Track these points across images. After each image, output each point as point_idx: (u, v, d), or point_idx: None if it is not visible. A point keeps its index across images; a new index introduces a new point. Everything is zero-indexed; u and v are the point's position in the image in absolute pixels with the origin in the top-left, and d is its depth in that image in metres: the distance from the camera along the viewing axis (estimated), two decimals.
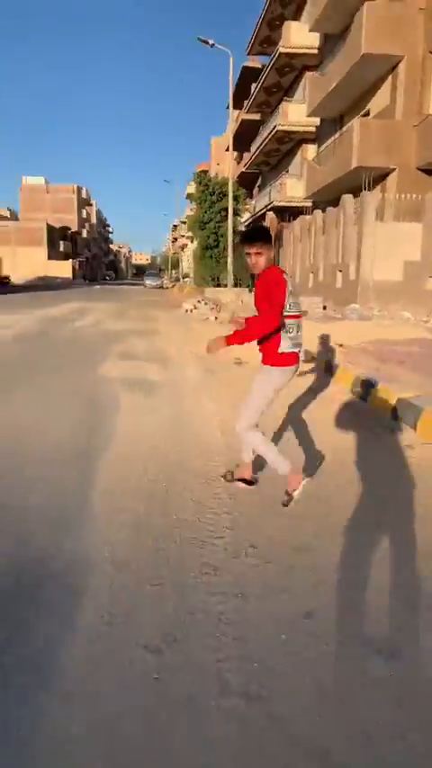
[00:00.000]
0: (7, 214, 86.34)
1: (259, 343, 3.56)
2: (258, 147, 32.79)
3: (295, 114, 27.93)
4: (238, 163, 46.91)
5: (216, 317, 17.45)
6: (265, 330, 3.34)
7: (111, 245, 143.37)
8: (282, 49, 26.93)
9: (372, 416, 5.88)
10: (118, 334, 13.10)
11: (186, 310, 20.74)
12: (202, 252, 31.84)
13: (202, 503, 3.78)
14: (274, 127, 28.75)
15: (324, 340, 9.31)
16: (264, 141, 31.33)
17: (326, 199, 23.13)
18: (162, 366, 8.85)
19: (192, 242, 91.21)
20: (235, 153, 50.85)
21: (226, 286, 28.63)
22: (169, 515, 3.59)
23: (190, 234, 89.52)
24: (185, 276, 74.75)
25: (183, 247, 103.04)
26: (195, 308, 20.70)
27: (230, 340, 3.35)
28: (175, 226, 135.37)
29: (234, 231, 27.36)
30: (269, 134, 30.02)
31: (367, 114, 20.71)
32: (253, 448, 3.72)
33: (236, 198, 26.88)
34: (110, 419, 5.89)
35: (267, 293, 3.36)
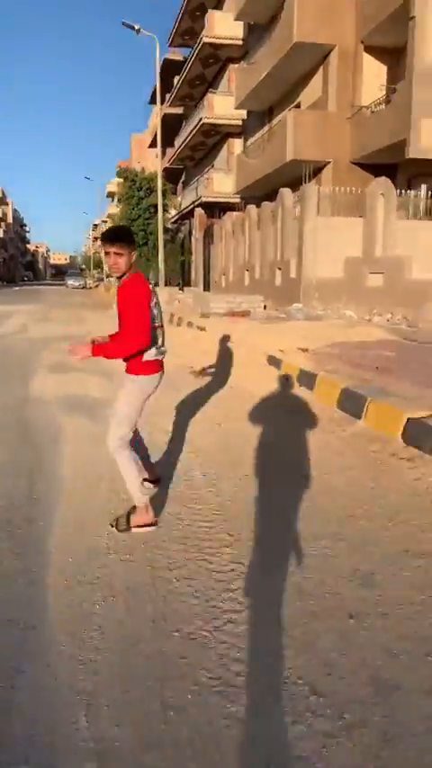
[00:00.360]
0: None
1: None
2: (183, 142, 31.76)
3: (221, 107, 27.08)
4: (161, 159, 45.77)
5: None
6: (136, 349, 3.27)
7: (28, 245, 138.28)
8: (205, 39, 25.98)
9: (379, 443, 4.97)
10: (47, 340, 11.74)
11: None
12: None
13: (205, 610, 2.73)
14: (200, 120, 27.80)
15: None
16: (189, 135, 30.32)
17: (258, 194, 22.40)
18: (106, 378, 7.65)
19: None
20: (157, 149, 49.91)
21: (157, 285, 27.50)
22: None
23: None
24: (109, 275, 72.74)
25: None
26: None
27: (96, 351, 3.25)
28: (95, 225, 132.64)
29: (165, 229, 26.24)
30: (194, 127, 29.04)
31: (298, 106, 20.09)
32: (120, 468, 3.38)
33: (163, 193, 25.70)
34: (50, 456, 4.71)
35: (135, 307, 3.23)
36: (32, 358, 9.70)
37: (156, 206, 27.63)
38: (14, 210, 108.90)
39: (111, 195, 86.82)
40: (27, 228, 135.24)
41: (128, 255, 3.24)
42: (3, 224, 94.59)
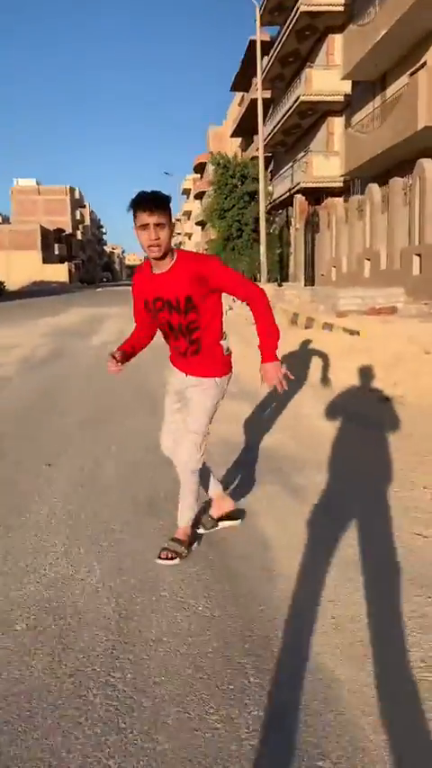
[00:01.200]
0: None
1: (187, 350, 2.83)
2: (276, 126, 29.35)
3: (321, 83, 24.54)
4: (243, 150, 43.48)
5: None
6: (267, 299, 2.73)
7: (105, 247, 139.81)
8: (303, 7, 23.50)
9: None
10: (157, 349, 9.75)
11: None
12: (223, 244, 28.16)
13: None
14: (297, 98, 25.33)
15: None
16: (282, 118, 27.92)
17: (372, 173, 19.77)
18: (253, 404, 5.50)
19: (189, 239, 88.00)
20: (239, 139, 47.65)
21: (258, 280, 25.23)
22: None
23: (188, 231, 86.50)
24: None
25: (179, 245, 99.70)
26: (231, 309, 17.37)
27: (274, 348, 2.71)
28: (175, 221, 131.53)
29: (258, 219, 23.97)
30: (289, 108, 26.63)
31: (422, 67, 17.32)
32: (184, 488, 2.94)
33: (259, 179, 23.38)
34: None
35: (227, 270, 2.74)
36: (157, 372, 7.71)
37: (251, 194, 25.41)
38: (92, 212, 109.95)
39: (186, 192, 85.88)
40: (104, 230, 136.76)
41: (169, 228, 2.60)
42: (81, 226, 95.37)
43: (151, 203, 2.52)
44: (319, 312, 12.99)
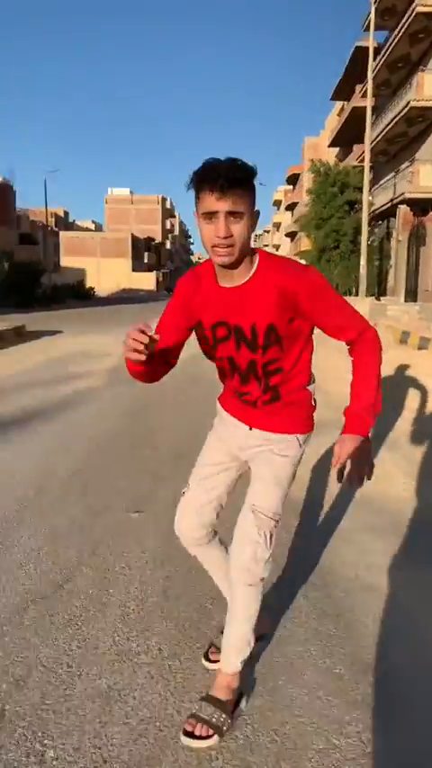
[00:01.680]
0: (92, 226, 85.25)
1: (258, 399, 1.87)
2: (379, 134, 27.94)
3: None
4: (341, 160, 42.12)
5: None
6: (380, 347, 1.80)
7: (191, 257, 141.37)
8: (420, 8, 22.11)
9: None
10: None
11: None
12: (318, 255, 26.94)
13: None
14: (407, 104, 23.87)
15: None
16: (388, 125, 26.51)
17: None
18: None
19: (277, 250, 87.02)
20: (336, 149, 46.34)
21: (346, 295, 23.94)
22: None
23: (276, 242, 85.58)
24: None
25: None
26: None
27: (370, 419, 1.75)
28: (257, 235, 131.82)
29: (356, 231, 22.66)
30: (397, 115, 25.20)
31: None
32: (236, 606, 1.84)
33: (361, 188, 22.10)
34: None
35: (336, 297, 1.75)
36: None
37: (350, 203, 24.15)
38: (181, 222, 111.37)
39: (277, 203, 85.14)
40: (191, 240, 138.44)
41: (250, 219, 1.62)
42: (170, 236, 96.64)
43: (224, 180, 1.55)
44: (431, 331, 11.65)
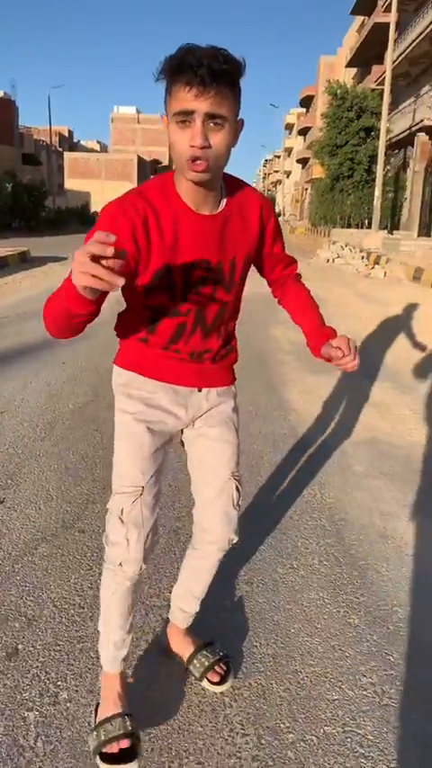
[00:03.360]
0: (97, 147, 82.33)
1: (216, 354, 1.59)
2: (401, 53, 26.38)
3: None
4: (358, 83, 39.97)
5: (385, 273, 12.56)
6: None
7: None
8: None
9: None
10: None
11: (327, 260, 15.94)
12: (331, 183, 25.93)
13: None
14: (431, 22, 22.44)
15: None
16: (411, 44, 25.01)
17: None
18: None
19: (287, 177, 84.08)
20: (354, 70, 43.91)
21: (358, 227, 23.25)
22: None
23: (288, 169, 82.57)
24: (279, 214, 67.93)
25: (276, 183, 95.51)
26: (338, 257, 15.87)
27: (319, 345, 1.55)
28: (266, 160, 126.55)
29: (370, 159, 21.75)
30: (422, 32, 23.72)
31: None
32: (208, 570, 1.78)
33: (378, 114, 21.04)
34: None
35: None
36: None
37: (366, 129, 23.08)
38: None
39: (289, 127, 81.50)
40: None
41: (233, 127, 1.28)
42: None
43: (206, 70, 1.19)
44: None
